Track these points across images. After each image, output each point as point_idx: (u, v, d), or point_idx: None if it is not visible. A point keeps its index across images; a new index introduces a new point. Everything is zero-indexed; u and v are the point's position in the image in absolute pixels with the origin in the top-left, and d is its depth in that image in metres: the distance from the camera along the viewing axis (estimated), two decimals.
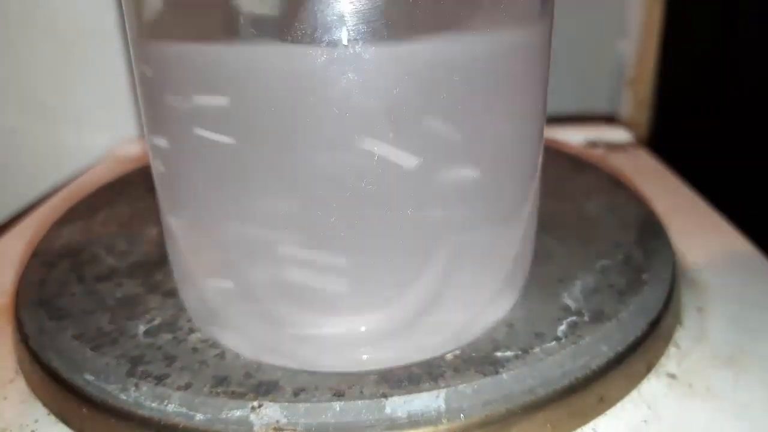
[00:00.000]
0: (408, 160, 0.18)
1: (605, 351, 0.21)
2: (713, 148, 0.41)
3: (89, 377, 0.20)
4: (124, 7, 0.20)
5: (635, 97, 0.46)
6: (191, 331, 0.22)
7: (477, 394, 0.19)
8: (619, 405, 0.21)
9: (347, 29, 0.16)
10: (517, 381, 0.19)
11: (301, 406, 0.19)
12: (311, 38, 0.16)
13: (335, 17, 0.16)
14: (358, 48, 0.16)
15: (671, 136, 0.44)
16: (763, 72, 0.36)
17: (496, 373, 0.19)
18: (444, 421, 0.19)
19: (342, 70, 0.16)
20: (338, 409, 0.19)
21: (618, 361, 0.21)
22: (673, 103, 0.44)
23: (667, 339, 0.23)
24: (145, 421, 0.19)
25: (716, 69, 0.40)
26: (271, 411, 0.19)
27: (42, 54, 0.43)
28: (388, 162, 0.17)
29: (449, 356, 0.20)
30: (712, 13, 0.40)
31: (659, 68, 0.44)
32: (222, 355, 0.21)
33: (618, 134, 0.44)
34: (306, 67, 0.16)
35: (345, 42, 0.16)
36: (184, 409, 0.19)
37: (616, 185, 0.32)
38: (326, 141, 0.17)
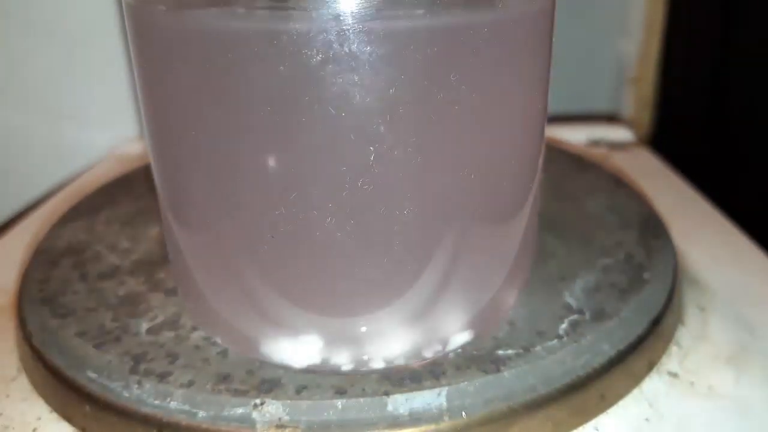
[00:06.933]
0: (406, 160, 0.18)
1: (607, 349, 0.21)
2: (715, 147, 0.41)
3: (92, 375, 0.20)
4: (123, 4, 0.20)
5: (637, 96, 0.46)
6: (193, 329, 0.22)
7: (479, 392, 0.19)
8: (620, 403, 0.21)
9: (343, 28, 0.16)
10: (519, 379, 0.19)
11: (304, 404, 0.19)
12: (307, 36, 0.16)
13: (330, 16, 0.16)
14: (354, 47, 0.16)
15: (673, 136, 0.44)
16: (766, 70, 0.36)
17: (498, 371, 0.19)
18: (446, 418, 0.19)
19: (338, 69, 0.16)
20: (340, 406, 0.19)
21: (619, 359, 0.21)
22: (675, 102, 0.44)
23: (669, 338, 0.23)
24: (147, 419, 0.19)
25: (719, 68, 0.40)
26: (273, 408, 0.19)
27: (42, 53, 0.43)
28: (385, 161, 0.17)
29: (451, 354, 0.20)
30: (715, 11, 0.40)
31: (661, 67, 0.44)
32: (224, 353, 0.21)
33: (620, 133, 0.44)
34: (302, 66, 0.16)
35: (341, 41, 0.16)
36: (186, 407, 0.19)
37: (618, 184, 0.32)
38: (323, 141, 0.17)
